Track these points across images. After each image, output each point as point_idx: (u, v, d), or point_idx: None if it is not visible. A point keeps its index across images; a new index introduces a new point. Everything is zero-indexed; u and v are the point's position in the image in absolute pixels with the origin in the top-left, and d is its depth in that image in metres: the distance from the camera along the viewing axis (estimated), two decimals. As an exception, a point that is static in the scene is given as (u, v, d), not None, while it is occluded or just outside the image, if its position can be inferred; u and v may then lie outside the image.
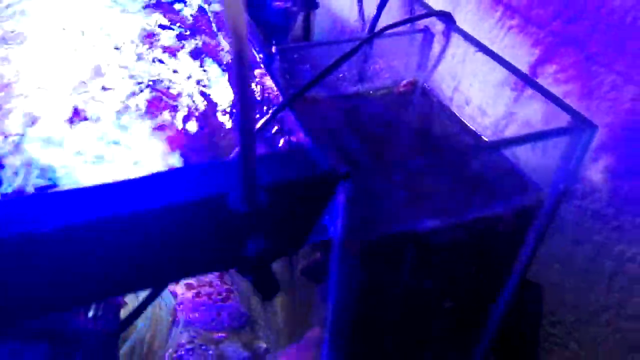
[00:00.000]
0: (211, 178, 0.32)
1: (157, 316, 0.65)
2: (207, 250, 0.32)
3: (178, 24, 0.76)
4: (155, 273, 0.32)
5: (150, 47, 0.71)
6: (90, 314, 0.46)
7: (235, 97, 0.27)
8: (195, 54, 0.73)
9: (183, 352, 0.64)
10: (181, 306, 0.72)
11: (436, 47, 0.67)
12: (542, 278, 0.90)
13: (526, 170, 0.55)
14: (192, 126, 0.63)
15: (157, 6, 0.80)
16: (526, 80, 0.53)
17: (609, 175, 0.74)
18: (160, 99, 0.63)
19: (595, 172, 0.76)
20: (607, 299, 0.81)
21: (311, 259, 0.47)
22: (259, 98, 0.52)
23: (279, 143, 0.45)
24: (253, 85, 0.42)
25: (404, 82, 0.71)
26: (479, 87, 0.66)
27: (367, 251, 0.43)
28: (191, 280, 0.81)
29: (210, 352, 0.67)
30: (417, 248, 0.45)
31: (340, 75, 0.64)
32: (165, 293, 0.71)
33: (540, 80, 0.59)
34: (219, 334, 0.72)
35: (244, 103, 0.27)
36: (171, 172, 0.33)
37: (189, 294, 0.80)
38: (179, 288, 0.81)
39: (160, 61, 0.69)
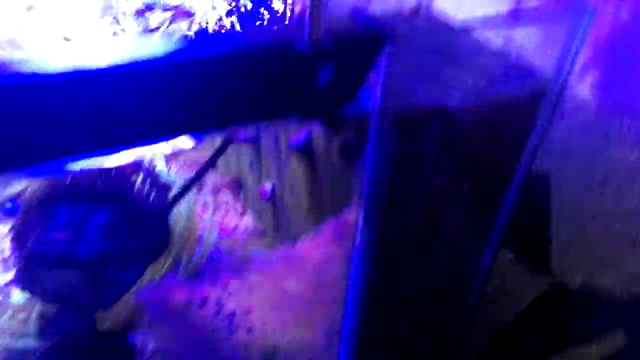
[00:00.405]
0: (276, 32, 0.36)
1: (193, 214, 0.69)
2: (281, 95, 0.36)
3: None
4: (234, 115, 0.35)
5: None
6: (145, 191, 0.50)
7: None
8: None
9: (213, 250, 0.68)
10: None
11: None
12: (540, 194, 0.96)
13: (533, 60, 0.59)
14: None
15: None
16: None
17: (595, 89, 0.80)
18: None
19: (583, 88, 0.82)
20: (601, 203, 0.87)
21: (347, 136, 0.51)
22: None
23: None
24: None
25: (409, 5, 0.74)
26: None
27: (401, 122, 0.47)
28: (207, 199, 0.85)
29: (237, 252, 0.72)
30: (443, 123, 0.49)
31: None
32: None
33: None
34: (242, 239, 0.77)
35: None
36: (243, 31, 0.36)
37: (208, 213, 0.84)
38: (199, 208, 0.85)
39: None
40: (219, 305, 0.54)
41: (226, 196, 0.88)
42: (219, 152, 0.47)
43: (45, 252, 0.45)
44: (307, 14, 0.31)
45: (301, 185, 0.69)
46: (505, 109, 0.54)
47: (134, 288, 0.50)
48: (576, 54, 0.55)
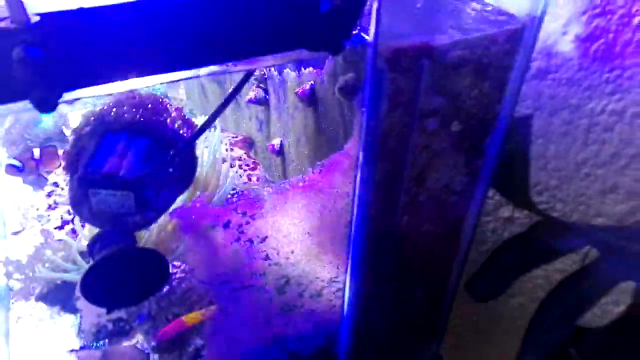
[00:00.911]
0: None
1: (212, 164, 0.77)
2: (284, 26, 0.43)
3: None
4: (240, 47, 0.43)
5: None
6: (176, 125, 0.58)
7: None
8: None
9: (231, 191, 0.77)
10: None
11: None
12: (526, 155, 1.04)
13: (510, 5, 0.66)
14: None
15: None
16: None
17: (577, 42, 0.88)
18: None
19: (566, 44, 0.90)
20: (585, 153, 0.95)
21: (346, 77, 0.59)
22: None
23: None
24: None
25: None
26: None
27: (393, 56, 0.54)
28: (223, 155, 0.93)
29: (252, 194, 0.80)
30: (431, 61, 0.57)
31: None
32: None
33: None
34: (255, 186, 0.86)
35: None
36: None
37: (224, 166, 0.92)
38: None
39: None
40: (240, 231, 0.62)
41: (238, 152, 0.96)
42: (237, 88, 0.55)
43: (93, 175, 0.53)
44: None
45: (307, 135, 0.77)
46: (487, 50, 0.61)
47: (168, 211, 0.58)
48: (545, 4, 0.62)
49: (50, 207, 1.07)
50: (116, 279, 0.57)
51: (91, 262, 0.56)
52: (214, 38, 0.43)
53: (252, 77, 0.90)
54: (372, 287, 0.81)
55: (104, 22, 0.38)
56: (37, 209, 1.10)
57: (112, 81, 0.41)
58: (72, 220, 0.95)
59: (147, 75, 0.42)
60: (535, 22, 0.62)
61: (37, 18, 0.36)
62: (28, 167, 1.02)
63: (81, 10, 0.37)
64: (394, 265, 0.80)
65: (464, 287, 0.87)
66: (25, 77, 0.36)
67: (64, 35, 0.37)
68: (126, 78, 0.41)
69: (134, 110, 0.53)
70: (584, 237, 0.73)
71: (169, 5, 0.39)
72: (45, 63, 0.36)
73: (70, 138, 0.54)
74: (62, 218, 1.00)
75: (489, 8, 0.63)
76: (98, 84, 0.41)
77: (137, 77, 0.42)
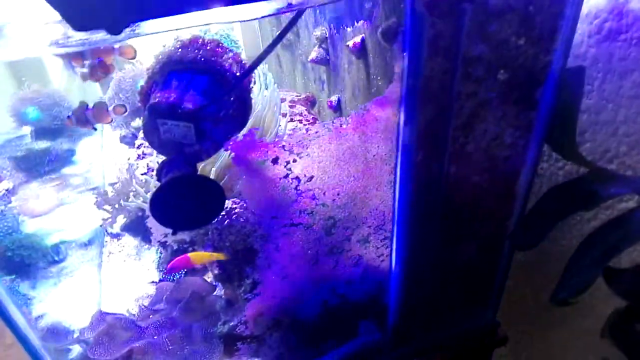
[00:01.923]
0: None
1: (271, 105, 0.84)
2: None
3: None
4: None
5: None
6: (232, 66, 0.65)
7: None
8: None
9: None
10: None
11: None
12: (597, 121, 1.00)
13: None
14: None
15: None
16: None
17: None
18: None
19: (637, 2, 0.86)
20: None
21: (389, 22, 0.62)
22: None
23: None
24: None
25: None
26: None
27: (432, 2, 0.57)
28: (284, 111, 1.00)
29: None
30: (472, 5, 0.58)
31: None
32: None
33: None
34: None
35: None
36: None
37: (284, 121, 0.99)
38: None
39: None
40: (288, 168, 0.68)
41: (300, 109, 1.03)
42: (287, 28, 0.60)
43: (160, 105, 0.61)
44: None
45: (360, 88, 0.81)
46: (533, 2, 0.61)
47: (224, 144, 0.65)
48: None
49: (139, 157, 1.20)
50: (179, 203, 0.66)
51: (158, 186, 0.65)
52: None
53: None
54: (419, 240, 0.83)
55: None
56: (129, 159, 1.25)
57: (174, 13, 0.48)
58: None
59: (201, 8, 0.49)
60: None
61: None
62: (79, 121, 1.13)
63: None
64: (441, 218, 0.82)
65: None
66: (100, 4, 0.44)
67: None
68: (183, 12, 0.48)
69: (196, 51, 0.60)
70: (627, 185, 0.71)
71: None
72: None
73: (146, 75, 0.63)
74: (147, 166, 1.13)
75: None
76: (160, 16, 0.48)
77: (193, 10, 0.49)
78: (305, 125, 0.97)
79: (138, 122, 1.58)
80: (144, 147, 1.19)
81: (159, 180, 0.66)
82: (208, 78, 0.61)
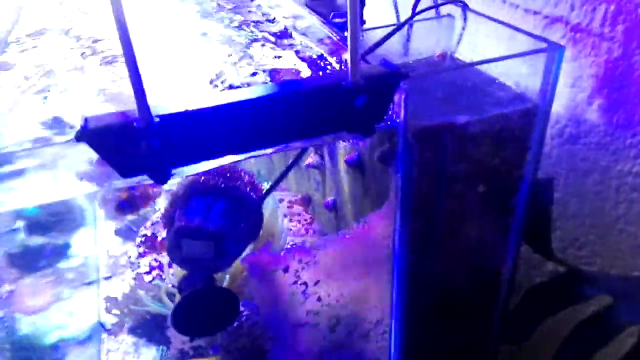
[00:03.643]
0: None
1: (275, 218, 0.92)
2: (329, 116, 0.58)
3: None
4: (296, 133, 0.58)
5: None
6: (249, 189, 0.73)
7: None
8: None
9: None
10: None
11: (457, 25, 0.93)
12: (565, 213, 1.12)
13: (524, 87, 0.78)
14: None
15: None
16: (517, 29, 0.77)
17: (601, 112, 0.98)
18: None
19: (592, 112, 1.01)
20: (616, 210, 1.03)
21: (383, 148, 0.72)
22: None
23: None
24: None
25: (437, 53, 0.97)
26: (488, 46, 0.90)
27: (420, 135, 0.67)
28: (284, 212, 1.08)
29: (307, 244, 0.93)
30: (453, 136, 0.69)
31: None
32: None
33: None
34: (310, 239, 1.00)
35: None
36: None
37: (285, 221, 1.07)
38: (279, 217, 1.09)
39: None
40: (297, 275, 0.75)
41: (298, 209, 1.11)
42: (294, 163, 0.69)
43: (184, 229, 0.68)
44: (350, 63, 0.54)
45: (355, 195, 0.90)
46: (504, 126, 0.72)
47: (240, 257, 0.72)
48: (554, 84, 0.73)
49: (140, 255, 1.25)
50: (198, 312, 0.71)
51: (179, 298, 0.71)
52: (284, 126, 0.59)
53: (311, 146, 1.06)
54: (415, 332, 0.90)
55: (201, 120, 0.55)
56: (130, 257, 1.29)
57: (206, 160, 0.56)
58: (159, 266, 1.12)
59: (232, 154, 0.58)
60: (546, 100, 0.74)
61: (157, 119, 0.53)
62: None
63: (186, 112, 0.54)
64: (433, 311, 0.89)
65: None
66: (147, 160, 0.52)
67: (174, 130, 0.53)
68: (216, 158, 0.57)
69: (216, 177, 0.69)
70: (600, 285, 0.80)
71: (252, 106, 0.55)
72: (160, 150, 0.52)
73: (167, 199, 0.70)
74: (150, 265, 1.17)
75: (504, 91, 0.75)
76: (196, 162, 0.56)
77: (224, 156, 0.58)
78: (304, 225, 1.05)
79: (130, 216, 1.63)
80: (145, 246, 1.24)
81: (179, 292, 0.72)
82: (227, 202, 0.68)
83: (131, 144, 0.51)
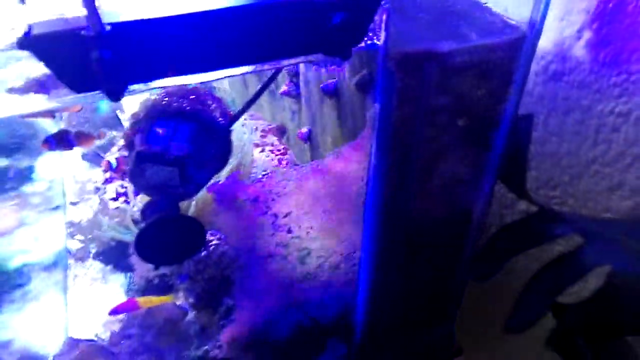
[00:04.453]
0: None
1: (245, 148, 0.88)
2: (303, 35, 0.53)
3: None
4: (267, 52, 0.53)
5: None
6: (217, 114, 0.69)
7: None
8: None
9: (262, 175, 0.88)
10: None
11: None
12: (542, 152, 1.10)
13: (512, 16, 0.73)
14: None
15: None
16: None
17: (588, 48, 0.94)
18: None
19: (579, 49, 0.96)
20: (594, 151, 1.01)
21: (362, 74, 0.67)
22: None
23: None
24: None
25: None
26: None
27: (400, 61, 0.62)
28: (256, 141, 1.04)
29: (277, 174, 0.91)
30: (436, 64, 0.65)
31: None
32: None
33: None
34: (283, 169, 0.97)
35: None
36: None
37: (257, 151, 1.03)
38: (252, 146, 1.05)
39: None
40: (267, 206, 0.72)
41: (271, 139, 1.07)
42: (266, 84, 0.65)
43: (147, 153, 0.64)
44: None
45: (331, 125, 0.86)
46: (489, 57, 0.68)
47: (206, 185, 0.69)
48: (544, 13, 0.68)
49: (107, 181, 1.21)
50: (163, 240, 0.69)
51: (143, 226, 0.68)
52: (253, 44, 0.53)
53: (286, 72, 1.00)
54: (385, 264, 0.90)
55: (159, 30, 0.49)
56: (95, 182, 1.25)
57: (166, 77, 0.51)
58: (125, 193, 1.08)
59: (196, 73, 0.53)
60: (535, 30, 0.69)
61: (109, 27, 0.47)
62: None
63: (142, 21, 0.48)
64: (404, 245, 0.88)
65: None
66: (99, 73, 0.47)
67: (129, 41, 0.48)
68: (177, 75, 0.52)
69: (181, 100, 0.64)
70: (571, 225, 0.80)
71: (216, 18, 0.50)
72: (114, 62, 0.47)
73: (129, 121, 0.65)
74: (116, 191, 1.13)
75: (493, 17, 0.70)
76: (155, 79, 0.51)
77: (187, 74, 0.53)
78: (277, 155, 1.01)
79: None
80: (112, 171, 1.20)
81: (143, 219, 0.68)
82: (193, 126, 0.64)
83: (80, 55, 0.45)
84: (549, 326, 0.90)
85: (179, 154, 0.63)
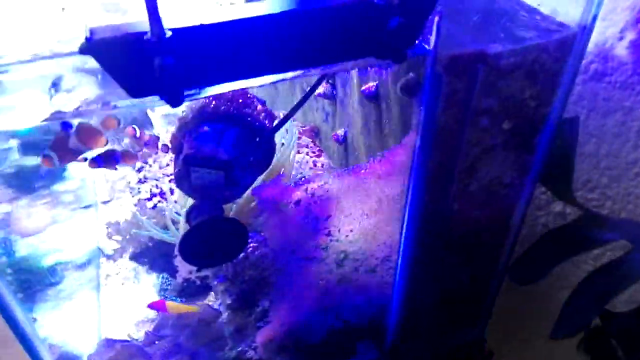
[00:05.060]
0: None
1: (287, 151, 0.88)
2: (358, 38, 0.52)
3: None
4: (321, 56, 0.52)
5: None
6: (262, 117, 0.68)
7: None
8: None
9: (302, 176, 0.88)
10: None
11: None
12: (581, 153, 1.08)
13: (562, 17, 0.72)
14: None
15: None
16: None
17: (631, 48, 0.92)
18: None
19: (622, 49, 0.94)
20: (635, 153, 0.99)
21: (408, 77, 0.67)
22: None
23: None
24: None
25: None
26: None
27: (449, 64, 0.62)
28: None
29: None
30: (484, 67, 0.64)
31: None
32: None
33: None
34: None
35: None
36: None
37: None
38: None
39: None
40: (307, 209, 0.72)
41: (306, 140, 1.07)
42: (312, 90, 0.64)
43: (194, 157, 0.64)
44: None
45: (369, 128, 0.86)
46: (538, 57, 0.67)
47: (250, 188, 0.69)
48: (596, 13, 0.67)
49: (140, 181, 1.22)
50: (206, 242, 0.69)
51: (187, 227, 0.68)
52: (307, 48, 0.53)
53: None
54: (421, 267, 0.89)
55: (217, 35, 0.49)
56: (129, 182, 1.26)
57: (221, 82, 0.51)
58: (160, 194, 1.09)
59: (249, 77, 0.53)
60: (586, 31, 0.68)
61: (170, 33, 0.47)
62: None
63: (201, 27, 0.48)
64: (443, 248, 0.88)
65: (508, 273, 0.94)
66: (161, 78, 0.47)
67: (188, 46, 0.48)
68: (232, 80, 0.51)
69: (228, 103, 0.64)
70: (619, 231, 0.78)
71: (270, 24, 0.49)
72: (175, 68, 0.47)
73: (177, 124, 0.65)
74: (150, 191, 1.14)
75: (541, 18, 0.69)
76: (210, 85, 0.51)
77: (241, 79, 0.52)
78: (311, 157, 1.01)
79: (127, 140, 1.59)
80: (146, 171, 1.21)
81: (187, 221, 0.69)
82: (240, 130, 0.64)
83: (142, 60, 0.45)
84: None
85: (224, 157, 0.63)
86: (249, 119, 0.65)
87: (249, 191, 0.70)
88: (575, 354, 0.96)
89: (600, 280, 0.66)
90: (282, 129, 0.79)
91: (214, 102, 0.64)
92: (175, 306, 0.99)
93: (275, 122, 0.70)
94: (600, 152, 1.05)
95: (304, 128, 1.10)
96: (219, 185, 0.64)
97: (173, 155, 0.66)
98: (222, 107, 0.63)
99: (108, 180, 1.48)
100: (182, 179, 0.66)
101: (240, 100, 0.64)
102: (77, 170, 1.62)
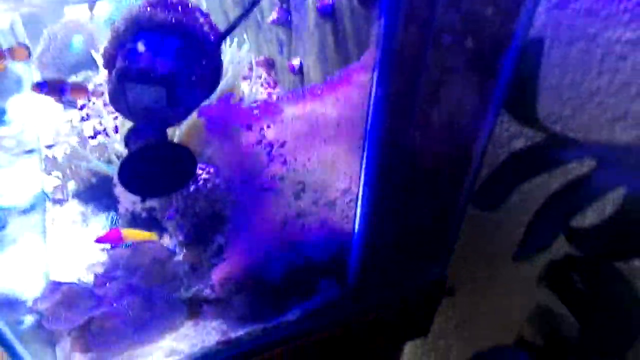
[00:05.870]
0: None
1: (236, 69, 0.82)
2: None
3: None
4: None
5: None
6: (206, 29, 0.62)
7: None
8: None
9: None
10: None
11: None
12: (544, 83, 1.05)
13: None
14: None
15: None
16: None
17: None
18: None
19: None
20: (598, 81, 0.97)
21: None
22: None
23: None
24: None
25: None
26: None
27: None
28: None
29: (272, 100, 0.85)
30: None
31: None
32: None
33: None
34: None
35: None
36: None
37: (245, 84, 0.97)
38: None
39: None
40: (261, 134, 0.67)
41: (260, 71, 1.00)
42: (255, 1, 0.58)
43: (129, 71, 0.58)
44: None
45: (326, 53, 0.80)
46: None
47: (196, 109, 0.63)
48: None
49: (82, 119, 1.13)
50: (149, 170, 0.64)
51: (127, 153, 0.62)
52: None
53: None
54: (383, 200, 0.86)
55: None
56: (71, 120, 1.17)
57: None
58: (104, 131, 1.01)
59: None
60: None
61: None
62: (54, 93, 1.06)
63: None
64: (404, 179, 0.85)
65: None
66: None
67: None
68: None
69: (166, 11, 0.57)
70: (584, 151, 0.77)
71: None
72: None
73: (109, 36, 0.58)
74: (94, 128, 1.06)
75: None
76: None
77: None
78: (266, 89, 0.95)
79: (74, 78, 1.48)
80: (89, 108, 1.12)
81: (127, 146, 0.63)
82: (180, 41, 0.58)
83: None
84: (542, 265, 0.89)
85: (165, 71, 0.56)
86: (191, 28, 0.58)
87: (194, 114, 0.64)
88: (536, 290, 0.97)
89: (565, 197, 0.64)
90: (232, 57, 0.73)
91: (149, 10, 0.57)
92: (131, 233, 0.93)
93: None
94: (563, 83, 1.03)
95: (257, 60, 1.03)
96: (160, 103, 0.58)
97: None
98: (160, 15, 0.57)
99: (51, 123, 1.38)
100: (117, 98, 0.59)
101: (179, 7, 0.57)
102: (18, 114, 1.51)
